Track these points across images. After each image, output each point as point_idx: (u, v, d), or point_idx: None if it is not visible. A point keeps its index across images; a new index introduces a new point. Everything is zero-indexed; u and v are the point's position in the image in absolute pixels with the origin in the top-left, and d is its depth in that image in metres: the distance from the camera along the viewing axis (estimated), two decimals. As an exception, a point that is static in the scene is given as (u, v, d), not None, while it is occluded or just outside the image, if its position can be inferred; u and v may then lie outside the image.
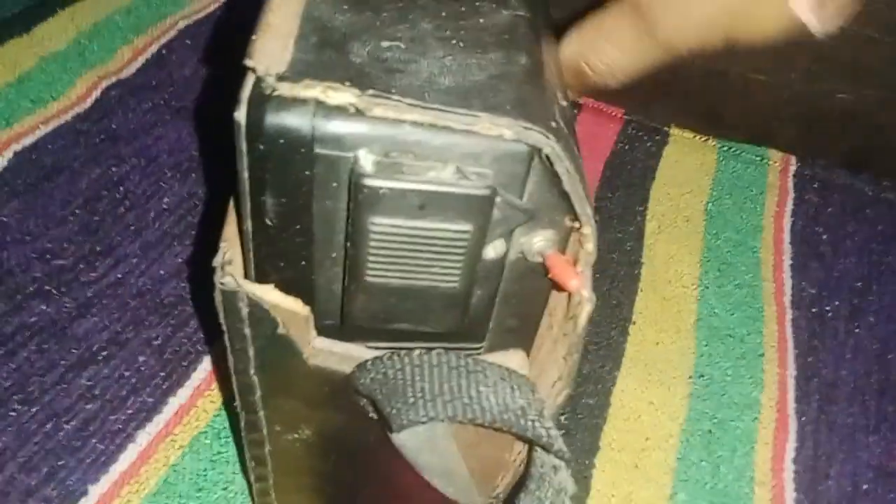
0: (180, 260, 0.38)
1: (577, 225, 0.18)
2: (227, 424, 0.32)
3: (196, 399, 0.32)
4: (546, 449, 0.18)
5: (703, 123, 0.52)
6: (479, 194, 0.16)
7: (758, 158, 0.50)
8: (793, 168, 0.50)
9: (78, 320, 0.34)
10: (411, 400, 0.18)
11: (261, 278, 0.18)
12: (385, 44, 0.17)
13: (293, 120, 0.15)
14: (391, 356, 0.18)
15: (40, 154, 0.40)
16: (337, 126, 0.15)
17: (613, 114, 0.51)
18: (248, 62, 0.15)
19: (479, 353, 0.21)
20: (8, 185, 0.38)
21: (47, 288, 0.35)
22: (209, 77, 0.47)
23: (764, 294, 0.41)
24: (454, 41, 0.17)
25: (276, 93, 0.15)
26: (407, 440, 0.20)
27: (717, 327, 0.39)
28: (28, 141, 0.40)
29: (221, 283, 0.18)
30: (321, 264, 0.18)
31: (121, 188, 0.40)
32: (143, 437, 0.30)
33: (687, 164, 0.49)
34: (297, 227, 0.17)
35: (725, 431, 0.35)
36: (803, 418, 0.36)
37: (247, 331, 0.19)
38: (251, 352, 0.20)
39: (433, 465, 0.22)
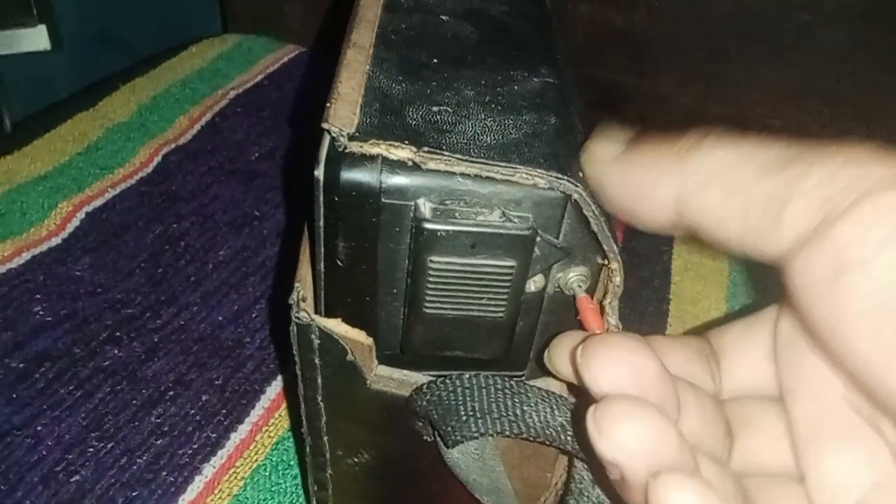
0: (237, 307, 0.41)
1: (606, 262, 0.20)
2: (283, 458, 0.34)
3: (255, 434, 0.35)
4: (586, 463, 0.20)
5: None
6: (522, 234, 0.18)
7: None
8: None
9: (147, 363, 0.37)
10: (464, 418, 0.20)
11: (329, 313, 0.21)
12: (435, 108, 0.20)
13: (363, 174, 0.18)
14: (444, 380, 0.21)
15: (109, 214, 0.44)
16: (399, 179, 0.18)
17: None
18: (325, 125, 0.18)
19: (521, 380, 0.23)
20: (81, 242, 0.42)
21: (118, 334, 0.38)
22: (259, 141, 0.51)
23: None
24: (493, 105, 0.20)
25: (347, 150, 0.18)
26: (459, 459, 0.22)
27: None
28: (98, 203, 0.44)
29: (297, 318, 0.21)
30: (383, 299, 0.20)
31: (181, 243, 0.43)
32: (209, 470, 0.33)
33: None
34: (364, 266, 0.20)
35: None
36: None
37: (317, 360, 0.22)
38: (320, 380, 0.22)
39: (483, 483, 0.24)
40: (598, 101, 0.56)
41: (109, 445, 0.33)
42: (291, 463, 0.34)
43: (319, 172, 0.18)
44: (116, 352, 0.37)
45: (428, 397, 0.21)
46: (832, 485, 0.18)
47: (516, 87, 0.21)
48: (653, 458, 0.14)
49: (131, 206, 0.45)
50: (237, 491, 0.32)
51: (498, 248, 0.19)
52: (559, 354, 0.19)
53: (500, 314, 0.20)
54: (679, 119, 0.55)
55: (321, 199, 0.19)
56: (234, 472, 0.33)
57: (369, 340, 0.21)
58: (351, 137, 0.18)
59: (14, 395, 0.34)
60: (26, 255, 0.40)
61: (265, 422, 0.35)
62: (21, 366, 0.35)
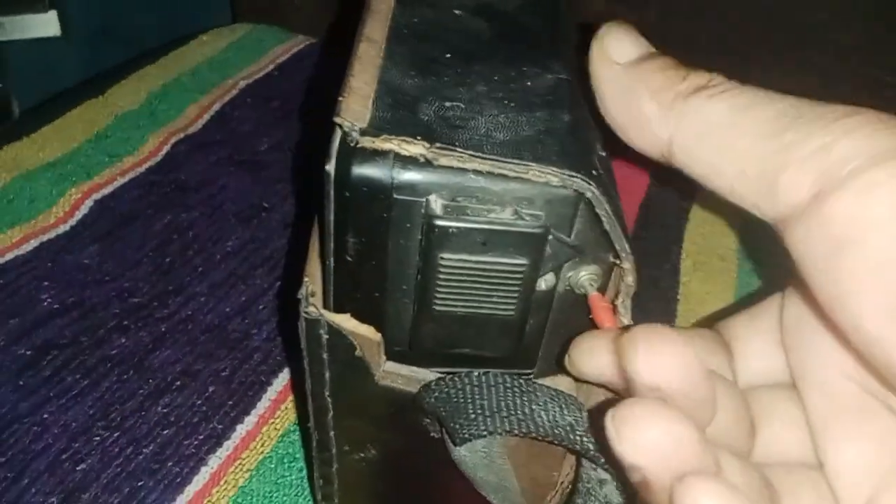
0: (244, 298, 0.40)
1: (618, 261, 0.20)
2: (289, 451, 0.34)
3: (261, 426, 0.35)
4: (594, 462, 0.20)
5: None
6: (534, 232, 0.18)
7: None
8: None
9: (154, 353, 0.37)
10: (472, 416, 0.20)
11: (338, 308, 0.21)
12: (447, 104, 0.20)
13: (374, 170, 0.18)
14: (453, 377, 0.21)
15: (117, 203, 0.44)
16: (411, 175, 0.18)
17: (646, 159, 0.53)
18: (336, 119, 0.18)
19: (530, 378, 0.23)
20: (88, 230, 0.42)
21: (125, 323, 0.38)
22: (268, 132, 0.51)
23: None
24: (506, 101, 0.20)
25: (359, 145, 0.18)
26: (466, 456, 0.22)
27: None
28: (106, 191, 0.44)
29: (306, 313, 0.21)
30: (392, 296, 0.20)
31: (189, 233, 0.43)
32: (214, 462, 0.33)
33: (719, 204, 0.51)
34: (373, 262, 0.20)
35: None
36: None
37: (325, 355, 0.22)
38: (327, 375, 0.22)
39: (489, 481, 0.24)
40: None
41: (115, 435, 0.33)
42: (297, 456, 0.34)
43: (330, 167, 0.18)
44: (123, 341, 0.37)
45: (436, 394, 0.21)
46: (849, 470, 0.18)
47: (529, 84, 0.21)
48: (676, 461, 0.14)
49: (139, 194, 0.45)
50: (243, 483, 0.32)
51: (509, 246, 0.18)
52: (582, 354, 0.19)
53: (511, 312, 0.20)
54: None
55: (332, 194, 0.18)
56: (239, 464, 0.33)
57: (378, 336, 0.21)
58: (363, 132, 0.18)
59: (20, 383, 0.34)
60: (34, 242, 0.40)
61: (271, 414, 0.35)
62: (28, 353, 0.35)
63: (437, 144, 0.18)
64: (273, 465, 0.33)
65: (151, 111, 0.51)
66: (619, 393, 0.19)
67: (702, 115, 0.17)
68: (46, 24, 0.54)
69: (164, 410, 0.34)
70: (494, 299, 0.19)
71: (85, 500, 0.31)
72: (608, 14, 0.24)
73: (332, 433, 0.24)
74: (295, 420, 0.35)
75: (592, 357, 0.19)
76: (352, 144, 0.18)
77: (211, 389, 0.36)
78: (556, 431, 0.20)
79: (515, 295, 0.19)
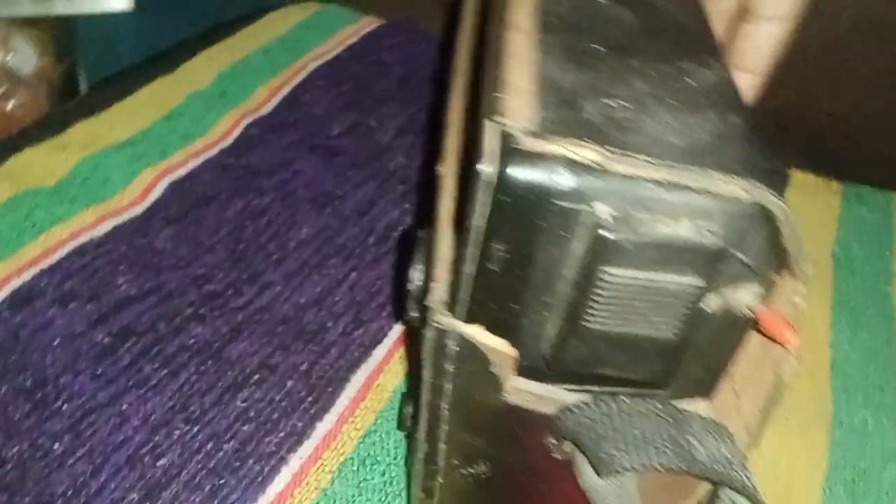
0: (319, 289, 0.39)
1: (781, 279, 0.18)
2: (371, 452, 0.33)
3: (341, 426, 0.33)
4: (751, 501, 0.18)
5: (825, 166, 0.51)
6: (712, 249, 0.16)
7: (884, 202, 0.49)
8: (922, 214, 0.48)
9: (231, 343, 0.35)
10: (622, 447, 0.18)
11: (470, 318, 0.19)
12: (610, 102, 0.18)
13: (538, 174, 0.16)
14: (597, 401, 0.19)
15: (192, 185, 0.43)
16: (578, 180, 0.16)
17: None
18: (498, 118, 0.16)
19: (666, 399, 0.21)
20: (162, 213, 0.41)
21: (202, 312, 0.37)
22: (339, 116, 0.50)
23: (900, 344, 0.40)
24: (670, 101, 0.18)
25: (523, 147, 0.16)
26: (599, 485, 0.21)
27: (852, 375, 0.38)
28: (181, 173, 0.43)
29: (436, 323, 0.19)
30: (532, 309, 0.19)
31: (263, 219, 0.42)
32: (295, 461, 0.32)
33: (810, 207, 0.48)
34: (518, 272, 0.18)
35: (870, 482, 0.34)
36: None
37: (450, 367, 0.20)
38: (449, 387, 0.21)
39: None
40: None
41: (196, 429, 0.32)
42: (379, 458, 0.32)
43: (488, 169, 0.16)
44: (201, 330, 0.36)
45: (580, 419, 0.19)
46: None
47: (689, 81, 0.19)
48: None
49: (213, 177, 0.44)
50: (325, 485, 0.31)
51: (683, 264, 0.17)
52: None
53: (671, 334, 0.18)
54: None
55: (485, 197, 0.17)
56: (321, 465, 0.32)
57: (514, 352, 0.19)
58: (528, 133, 0.16)
59: (99, 371, 0.33)
60: (109, 224, 0.39)
61: (351, 413, 0.34)
62: (106, 340, 0.34)
63: (611, 149, 0.16)
64: (355, 468, 0.32)
65: (222, 91, 0.49)
66: None
67: None
68: (119, -1, 0.53)
69: (244, 405, 0.33)
70: (656, 319, 0.18)
71: (166, 497, 0.30)
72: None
73: (442, 446, 0.23)
74: (375, 420, 0.34)
75: None
76: (514, 146, 0.16)
77: (289, 384, 0.34)
78: (715, 467, 0.18)
79: (680, 316, 0.17)
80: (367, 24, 0.58)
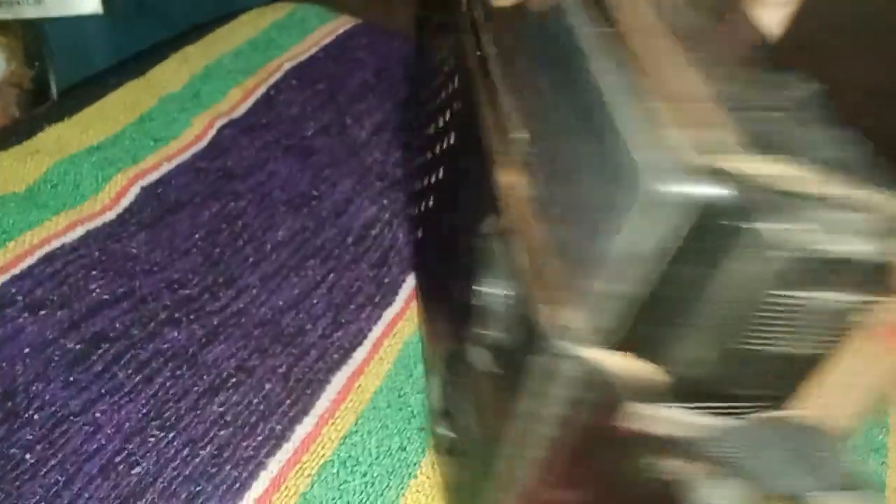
0: (297, 291, 0.39)
1: None
2: (351, 454, 0.32)
3: (321, 427, 0.33)
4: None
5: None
6: (878, 265, 0.16)
7: None
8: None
9: (207, 347, 0.35)
10: (787, 472, 0.18)
11: (610, 345, 0.18)
12: (759, 114, 0.17)
13: (710, 190, 0.15)
14: (751, 424, 0.18)
15: (165, 189, 0.42)
16: (748, 197, 0.15)
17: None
18: (676, 133, 0.15)
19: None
20: (135, 218, 0.40)
21: (177, 316, 0.36)
22: (315, 116, 0.49)
23: None
24: (790, 112, 0.17)
25: (699, 163, 0.15)
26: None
27: None
28: (153, 177, 0.42)
29: (557, 351, 0.18)
30: (675, 332, 0.18)
31: (238, 222, 0.41)
32: (274, 465, 0.31)
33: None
34: (671, 294, 0.17)
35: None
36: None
37: (562, 394, 0.18)
38: (558, 414, 0.19)
39: None
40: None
41: (171, 435, 0.31)
42: (360, 459, 0.32)
43: (657, 187, 0.15)
44: (176, 334, 0.35)
45: (726, 442, 0.18)
46: None
47: (785, 91, 0.18)
48: None
49: (186, 181, 0.43)
50: (304, 488, 0.31)
51: (849, 281, 0.16)
52: None
53: (813, 349, 0.17)
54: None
55: (650, 218, 0.15)
56: (300, 468, 0.31)
57: (664, 378, 0.18)
58: (702, 149, 0.15)
59: (71, 378, 0.33)
60: (81, 230, 0.39)
61: (331, 414, 0.34)
62: (78, 347, 0.34)
63: (785, 163, 0.15)
64: (335, 470, 0.32)
65: (195, 93, 0.49)
66: None
67: None
68: (88, 1, 0.52)
69: (221, 409, 0.33)
70: (809, 336, 0.17)
71: (142, 505, 0.29)
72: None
73: (530, 470, 0.21)
74: (356, 421, 0.34)
75: None
76: (691, 162, 0.15)
77: (267, 387, 0.34)
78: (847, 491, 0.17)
79: (833, 331, 0.17)
80: (342, 23, 0.57)
